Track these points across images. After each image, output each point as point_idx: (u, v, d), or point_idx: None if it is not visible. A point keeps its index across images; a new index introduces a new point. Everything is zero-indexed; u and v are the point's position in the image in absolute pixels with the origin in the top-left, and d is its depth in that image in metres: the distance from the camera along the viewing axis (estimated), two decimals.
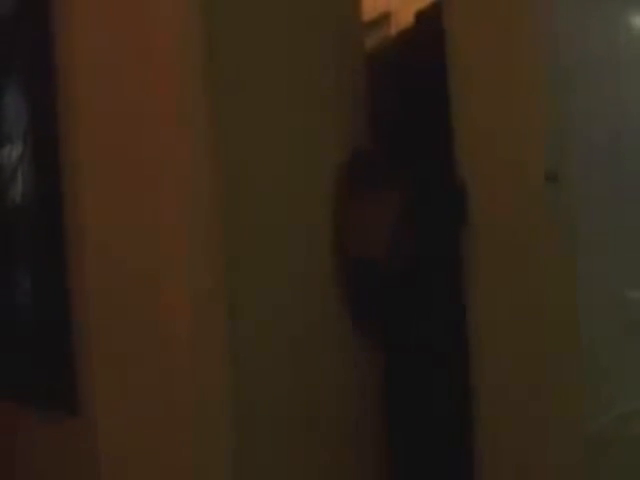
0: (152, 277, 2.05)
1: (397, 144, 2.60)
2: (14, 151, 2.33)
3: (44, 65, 2.19)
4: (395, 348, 2.60)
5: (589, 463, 2.43)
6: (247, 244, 2.23)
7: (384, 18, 3.29)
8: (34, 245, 2.31)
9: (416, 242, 2.54)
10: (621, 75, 2.75)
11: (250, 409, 2.16)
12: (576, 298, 2.47)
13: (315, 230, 2.44)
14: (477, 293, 2.48)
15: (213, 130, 2.10)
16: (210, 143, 2.10)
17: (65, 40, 2.15)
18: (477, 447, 2.45)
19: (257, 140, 2.27)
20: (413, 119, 2.61)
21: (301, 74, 2.42)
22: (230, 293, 2.11)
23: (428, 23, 2.62)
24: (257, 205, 2.27)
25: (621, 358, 2.64)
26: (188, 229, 2.07)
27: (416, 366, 2.58)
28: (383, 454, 2.56)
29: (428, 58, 2.57)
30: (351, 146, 2.54)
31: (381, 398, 2.58)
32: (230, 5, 2.22)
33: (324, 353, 2.43)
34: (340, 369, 2.48)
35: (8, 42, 2.33)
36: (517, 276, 2.44)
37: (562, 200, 2.45)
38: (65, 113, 2.15)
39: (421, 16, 2.69)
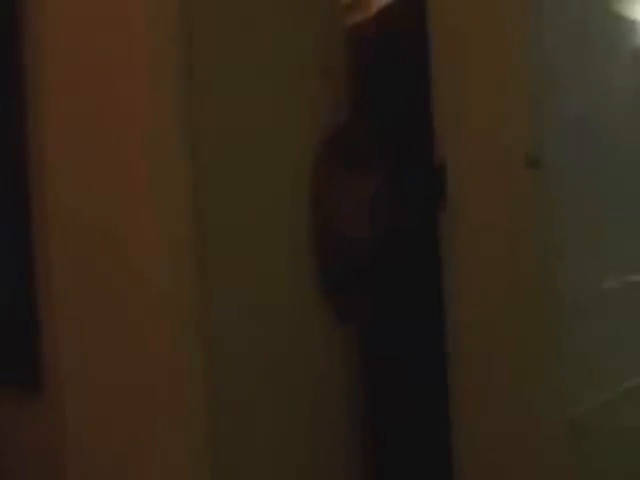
0: (121, 249, 2.00)
1: (376, 122, 2.56)
2: None
3: (10, 37, 2.12)
4: (377, 332, 2.55)
5: (572, 450, 2.40)
6: (223, 226, 2.18)
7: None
8: None
9: (395, 221, 2.50)
10: (598, 61, 2.75)
11: (225, 393, 2.12)
12: (556, 283, 2.44)
13: (294, 209, 2.41)
14: (455, 278, 2.44)
15: (187, 106, 2.07)
16: (183, 122, 2.06)
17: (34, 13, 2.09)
18: (457, 434, 2.40)
19: (233, 118, 2.23)
20: (393, 97, 2.57)
21: (279, 52, 2.38)
22: (205, 276, 2.07)
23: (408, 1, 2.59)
24: (231, 184, 2.23)
25: (601, 346, 2.63)
26: (160, 215, 2.02)
27: (397, 348, 2.53)
28: (364, 441, 2.52)
29: (408, 35, 2.54)
30: (330, 124, 2.50)
31: (363, 384, 2.54)
32: None
33: (304, 338, 2.40)
34: (320, 355, 2.44)
35: None
36: (496, 261, 2.42)
37: (542, 185, 2.43)
38: (32, 80, 2.09)
39: None
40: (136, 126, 1.98)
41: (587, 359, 2.57)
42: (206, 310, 2.07)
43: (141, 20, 1.99)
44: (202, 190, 2.08)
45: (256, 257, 2.26)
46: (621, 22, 2.87)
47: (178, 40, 2.05)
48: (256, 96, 2.30)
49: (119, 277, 1.98)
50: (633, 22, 2.89)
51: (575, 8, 2.71)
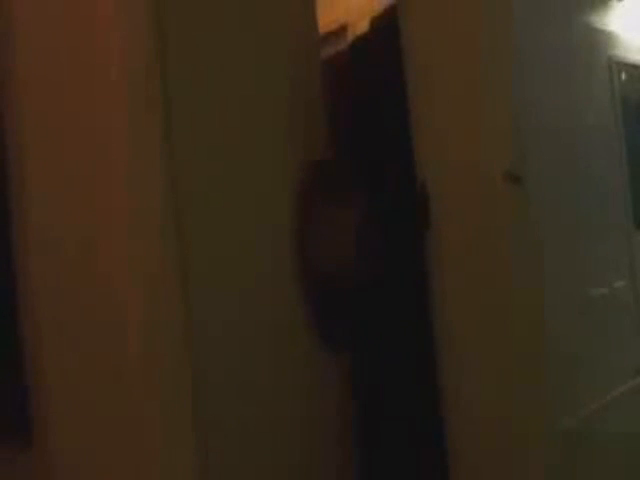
0: (104, 278, 2.01)
1: (356, 152, 2.61)
2: None
3: None
4: (362, 352, 2.60)
5: (565, 459, 2.44)
6: (205, 255, 2.19)
7: (341, 30, 3.32)
8: None
9: (380, 249, 2.54)
10: (574, 73, 2.79)
11: (212, 409, 2.13)
12: (542, 297, 2.49)
13: (278, 244, 2.42)
14: (443, 295, 2.48)
15: (165, 119, 2.08)
16: (162, 136, 2.08)
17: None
18: (449, 448, 2.44)
19: (212, 155, 2.24)
20: (371, 126, 2.62)
21: (256, 86, 2.40)
22: (189, 297, 2.09)
23: (383, 28, 2.64)
24: (213, 216, 2.23)
25: (588, 355, 2.67)
26: (139, 232, 2.03)
27: (383, 368, 2.58)
28: (350, 455, 2.55)
29: (384, 63, 2.58)
30: (310, 157, 2.53)
31: (348, 400, 2.57)
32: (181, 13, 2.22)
33: (290, 363, 2.41)
34: (306, 380, 2.46)
35: None
36: (482, 277, 2.45)
37: (523, 201, 2.47)
38: (8, 95, 2.11)
39: (375, 21, 2.70)
40: (114, 146, 2.00)
41: (575, 367, 2.61)
42: (188, 333, 2.08)
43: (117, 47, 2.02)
44: (184, 220, 2.10)
45: (240, 283, 2.28)
46: (597, 34, 2.91)
47: (153, 80, 2.07)
48: (237, 136, 2.32)
49: (100, 311, 2.01)
50: (608, 33, 2.94)
51: (551, 22, 2.75)
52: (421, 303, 2.50)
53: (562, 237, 2.65)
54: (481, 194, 2.45)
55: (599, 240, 2.81)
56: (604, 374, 2.74)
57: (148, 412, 2.00)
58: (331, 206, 2.50)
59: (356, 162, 2.59)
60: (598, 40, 2.91)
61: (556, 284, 2.59)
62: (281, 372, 2.38)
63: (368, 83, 2.63)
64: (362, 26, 2.99)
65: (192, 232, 2.14)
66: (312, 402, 2.46)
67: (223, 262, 2.24)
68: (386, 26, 2.58)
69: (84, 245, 2.04)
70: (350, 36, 3.22)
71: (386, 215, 2.55)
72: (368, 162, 2.59)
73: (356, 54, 2.75)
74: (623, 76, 3.01)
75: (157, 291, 2.05)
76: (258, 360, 2.31)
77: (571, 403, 2.58)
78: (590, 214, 2.78)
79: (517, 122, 2.48)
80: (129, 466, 2.00)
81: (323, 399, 2.50)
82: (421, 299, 2.50)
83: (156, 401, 2.02)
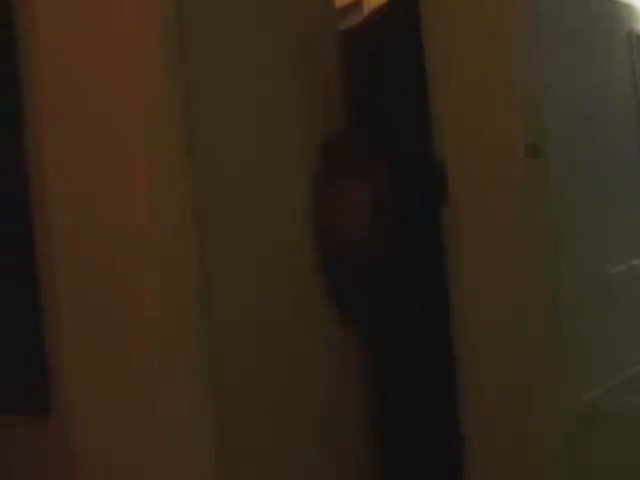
0: (121, 279, 2.03)
1: (374, 126, 2.58)
2: None
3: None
4: (379, 334, 2.59)
5: (580, 436, 2.44)
6: (223, 232, 2.20)
7: (358, 2, 3.29)
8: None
9: (396, 226, 2.53)
10: (594, 47, 2.76)
11: (229, 398, 2.14)
12: (559, 273, 2.47)
13: (293, 217, 2.42)
14: (459, 273, 2.47)
15: (184, 114, 2.08)
16: (181, 130, 2.07)
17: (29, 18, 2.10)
18: (465, 427, 2.44)
19: (230, 126, 2.24)
20: (389, 100, 2.59)
21: (274, 58, 2.39)
22: (203, 280, 2.09)
23: (400, 0, 2.60)
24: (232, 193, 2.24)
25: (606, 332, 2.66)
26: (159, 222, 2.04)
27: (401, 350, 2.57)
28: (369, 441, 2.56)
29: (402, 35, 2.55)
30: (326, 130, 2.52)
31: (365, 384, 2.58)
32: None
33: (307, 338, 2.42)
34: (324, 356, 2.46)
35: None
36: (499, 254, 2.44)
37: (543, 176, 2.45)
38: (31, 102, 2.11)
39: None
40: (136, 153, 2.01)
41: (593, 344, 2.60)
42: (208, 317, 2.09)
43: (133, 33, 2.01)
44: (201, 198, 2.10)
45: (257, 259, 2.28)
46: (617, 7, 2.87)
47: (171, 44, 2.06)
48: (254, 107, 2.31)
49: (119, 306, 2.02)
50: (629, 6, 2.90)
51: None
52: (437, 278, 2.49)
53: (582, 212, 2.62)
54: (500, 169, 2.43)
55: (618, 216, 2.78)
56: (621, 352, 2.73)
57: (165, 382, 2.01)
58: (348, 177, 2.49)
59: (373, 135, 2.56)
60: (619, 14, 2.87)
61: (574, 260, 2.57)
62: (297, 345, 2.38)
63: (384, 56, 2.59)
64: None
65: (208, 206, 2.13)
66: (328, 375, 2.46)
67: (240, 235, 2.24)
68: None
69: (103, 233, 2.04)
70: (366, 8, 3.19)
71: (403, 189, 2.53)
72: (385, 135, 2.56)
73: (372, 26, 2.72)
74: None
75: (174, 264, 2.05)
76: (274, 333, 2.31)
77: (588, 381, 2.57)
78: (609, 189, 2.76)
79: (537, 97, 2.46)
80: (145, 434, 2.01)
81: (339, 372, 2.50)
82: (437, 274, 2.48)
83: (173, 372, 2.03)
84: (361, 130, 2.58)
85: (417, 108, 2.50)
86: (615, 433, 2.60)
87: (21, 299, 2.16)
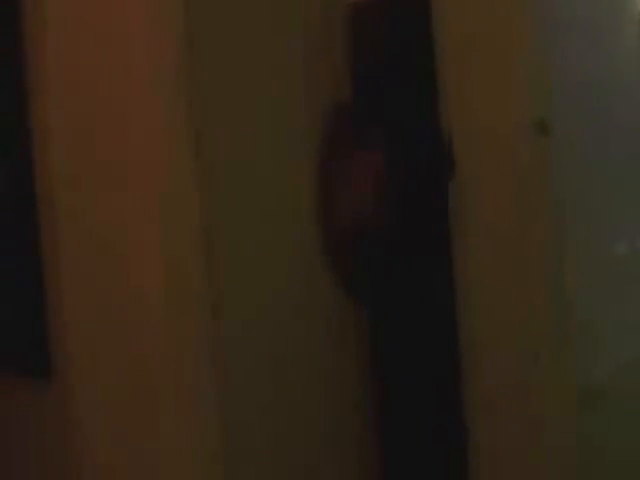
0: (124, 244, 2.01)
1: (377, 96, 2.55)
2: None
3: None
4: (385, 309, 2.55)
5: (582, 416, 2.42)
6: (226, 211, 2.18)
7: None
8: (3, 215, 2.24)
9: (401, 200, 2.50)
10: (605, 22, 2.74)
11: (231, 376, 2.13)
12: (564, 249, 2.45)
13: (298, 191, 2.40)
14: (465, 246, 2.44)
15: (188, 90, 2.05)
16: (185, 105, 2.05)
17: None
18: (467, 399, 2.42)
19: (235, 99, 2.22)
20: (396, 71, 2.56)
21: (280, 29, 2.36)
22: (207, 261, 2.07)
23: None
24: (236, 168, 2.22)
25: (611, 311, 2.63)
26: (161, 198, 2.01)
27: (407, 326, 2.53)
28: (375, 424, 2.54)
29: (409, 4, 2.52)
30: (333, 102, 2.49)
31: (371, 362, 2.54)
32: None
33: (311, 317, 2.40)
34: (331, 333, 2.44)
35: None
36: (505, 227, 2.41)
37: (550, 151, 2.43)
38: (34, 82, 2.10)
39: None
40: (139, 130, 1.99)
41: (598, 325, 2.57)
42: (211, 300, 2.08)
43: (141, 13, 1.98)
44: (205, 179, 2.09)
45: (262, 241, 2.27)
46: None
47: (177, 17, 2.03)
48: (256, 77, 2.29)
49: (122, 273, 2.00)
50: None
51: None
52: (443, 253, 2.45)
53: (588, 192, 2.60)
54: (507, 145, 2.40)
55: (625, 196, 2.76)
56: (627, 334, 2.70)
57: (167, 348, 1.98)
58: (352, 148, 2.46)
59: (379, 107, 2.53)
60: None
61: (579, 240, 2.54)
62: (301, 321, 2.36)
63: (393, 24, 2.56)
64: None
65: (212, 187, 2.11)
66: (332, 353, 2.44)
67: (244, 216, 2.23)
68: None
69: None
70: None
71: (408, 163, 2.50)
72: (389, 106, 2.53)
73: None
74: None
75: (177, 247, 2.03)
76: (279, 316, 2.30)
77: (593, 363, 2.54)
78: (617, 170, 2.73)
79: (547, 71, 2.43)
80: (146, 401, 1.98)
81: (342, 350, 2.47)
82: (443, 249, 2.45)
83: (175, 339, 2.00)
84: (364, 100, 2.54)
85: (423, 79, 2.47)
86: (620, 415, 2.57)
87: (23, 266, 2.15)
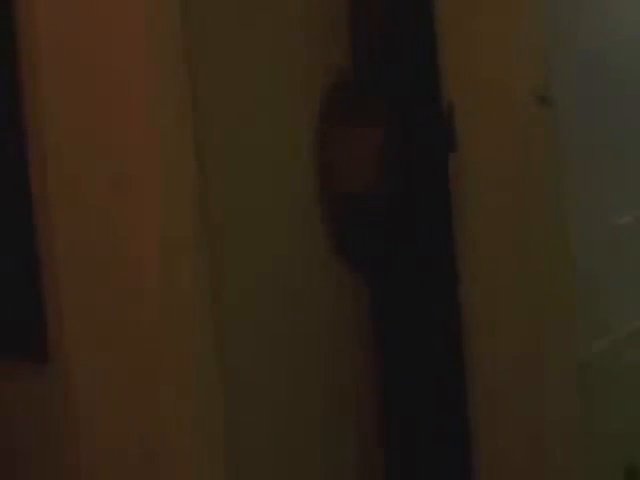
0: (121, 222, 1.96)
1: (380, 70, 2.51)
2: None
3: None
4: (387, 283, 2.53)
5: (583, 390, 2.42)
6: (225, 186, 2.14)
7: None
8: None
9: (403, 171, 2.47)
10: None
11: (232, 354, 2.11)
12: (569, 221, 2.44)
13: (299, 165, 2.36)
14: (466, 221, 2.42)
15: (186, 63, 2.00)
16: (182, 77, 1.99)
17: None
18: (470, 379, 2.41)
19: (233, 71, 2.18)
20: (396, 44, 2.52)
21: (282, 2, 2.32)
22: (205, 239, 2.04)
23: None
24: (236, 141, 2.18)
25: (612, 283, 2.62)
26: (160, 172, 1.96)
27: (409, 300, 2.51)
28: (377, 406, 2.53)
29: None
30: (334, 72, 2.45)
31: (374, 337, 2.52)
32: None
33: (313, 291, 2.38)
34: (332, 312, 2.43)
35: None
36: (507, 202, 2.39)
37: (551, 123, 2.40)
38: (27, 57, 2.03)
39: None
40: (135, 103, 1.94)
41: (601, 297, 2.57)
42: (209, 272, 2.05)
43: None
44: (201, 151, 2.04)
45: (261, 212, 2.24)
46: None
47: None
48: (260, 51, 2.25)
49: (119, 252, 1.96)
50: None
51: None
52: (444, 225, 2.44)
53: (591, 162, 2.58)
54: (509, 115, 2.38)
55: (628, 167, 2.74)
56: (629, 304, 2.70)
57: (166, 332, 1.96)
58: (353, 122, 2.43)
59: (379, 78, 2.49)
60: None
61: (583, 211, 2.53)
62: (302, 296, 2.34)
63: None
64: None
65: (209, 161, 2.07)
66: (334, 327, 2.42)
67: (242, 188, 2.19)
68: None
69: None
70: None
71: (410, 135, 2.47)
72: (392, 79, 2.49)
73: None
74: None
75: (174, 218, 1.99)
76: (279, 288, 2.27)
77: (595, 333, 2.54)
78: (620, 140, 2.71)
79: (549, 42, 2.40)
80: (145, 386, 1.96)
81: (345, 325, 2.46)
82: (444, 222, 2.43)
83: (175, 324, 1.97)
84: (365, 71, 2.50)
85: (424, 49, 2.43)
86: (619, 390, 2.58)
87: (19, 251, 2.11)
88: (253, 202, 2.23)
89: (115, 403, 1.97)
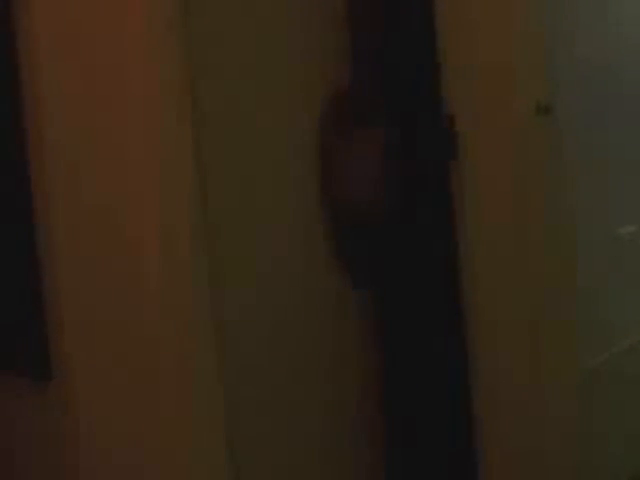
0: (121, 222, 1.97)
1: (382, 79, 2.52)
2: None
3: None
4: (388, 291, 2.53)
5: (584, 400, 2.41)
6: (225, 181, 2.14)
7: None
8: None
9: (404, 180, 2.47)
10: (608, 6, 2.71)
11: (233, 355, 2.11)
12: (570, 231, 2.43)
13: (300, 172, 2.37)
14: (467, 229, 2.41)
15: (186, 68, 2.01)
16: (182, 80, 2.01)
17: None
18: (473, 386, 2.41)
19: (235, 77, 2.19)
20: (399, 52, 2.53)
21: (282, 8, 2.32)
22: (208, 234, 2.04)
23: None
24: (237, 145, 2.19)
25: (615, 294, 2.61)
26: (160, 172, 1.97)
27: (410, 308, 2.51)
28: (376, 397, 2.52)
29: None
30: (335, 80, 2.45)
31: (375, 344, 2.53)
32: None
33: (317, 302, 2.38)
34: (334, 320, 2.43)
35: None
36: (508, 208, 2.38)
37: (552, 133, 2.40)
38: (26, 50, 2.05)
39: None
40: (135, 98, 1.94)
41: (602, 305, 2.56)
42: (217, 284, 2.05)
43: None
44: (202, 151, 2.05)
45: (265, 222, 2.24)
46: None
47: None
48: (262, 59, 2.26)
49: (120, 266, 1.97)
50: None
51: None
52: (448, 238, 2.43)
53: (593, 171, 2.57)
54: (511, 126, 2.37)
55: (631, 176, 2.74)
56: (632, 313, 2.69)
57: (166, 346, 1.96)
58: (355, 130, 2.42)
59: (383, 85, 2.50)
60: None
61: (585, 220, 2.52)
62: (305, 307, 2.34)
63: (397, 6, 2.53)
64: None
65: (209, 160, 2.08)
66: (336, 338, 2.43)
67: (242, 188, 2.19)
68: None
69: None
70: None
71: (411, 147, 2.47)
72: (394, 88, 2.50)
73: None
74: None
75: (173, 216, 1.98)
76: (281, 295, 2.28)
77: (599, 341, 2.53)
78: (622, 149, 2.71)
79: (550, 52, 2.40)
80: (146, 401, 1.96)
81: (347, 335, 2.46)
82: (448, 234, 2.43)
83: (175, 334, 1.97)
84: (370, 81, 2.51)
85: (425, 59, 2.43)
86: (621, 395, 2.57)
87: (21, 266, 2.13)
88: (253, 202, 2.23)
89: (115, 419, 1.98)
